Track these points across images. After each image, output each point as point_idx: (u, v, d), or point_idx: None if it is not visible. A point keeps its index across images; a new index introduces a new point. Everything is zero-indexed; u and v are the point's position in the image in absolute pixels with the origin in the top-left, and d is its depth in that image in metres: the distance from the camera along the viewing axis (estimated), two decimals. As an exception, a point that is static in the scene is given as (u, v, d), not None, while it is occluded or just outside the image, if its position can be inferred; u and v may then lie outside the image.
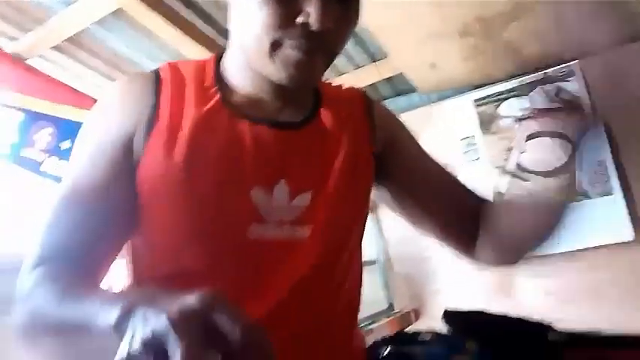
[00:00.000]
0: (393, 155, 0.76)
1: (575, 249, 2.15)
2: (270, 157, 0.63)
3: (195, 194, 0.59)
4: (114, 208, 0.60)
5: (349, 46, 2.26)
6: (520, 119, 2.37)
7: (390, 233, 2.62)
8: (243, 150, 0.62)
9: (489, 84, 2.41)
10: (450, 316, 0.67)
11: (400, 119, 0.83)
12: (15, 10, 1.89)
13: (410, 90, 2.66)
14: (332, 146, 0.68)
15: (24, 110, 1.86)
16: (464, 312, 0.68)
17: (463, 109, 2.43)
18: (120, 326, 0.37)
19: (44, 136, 1.87)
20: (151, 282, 0.62)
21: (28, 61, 2.08)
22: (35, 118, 1.86)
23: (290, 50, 0.58)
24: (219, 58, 0.71)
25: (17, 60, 1.98)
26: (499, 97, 2.41)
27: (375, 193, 0.79)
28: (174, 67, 0.67)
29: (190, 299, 0.34)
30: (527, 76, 2.31)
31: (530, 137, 2.77)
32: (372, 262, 2.59)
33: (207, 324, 0.33)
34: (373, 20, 1.87)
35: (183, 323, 0.32)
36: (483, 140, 2.41)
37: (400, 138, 0.79)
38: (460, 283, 2.35)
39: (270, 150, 0.64)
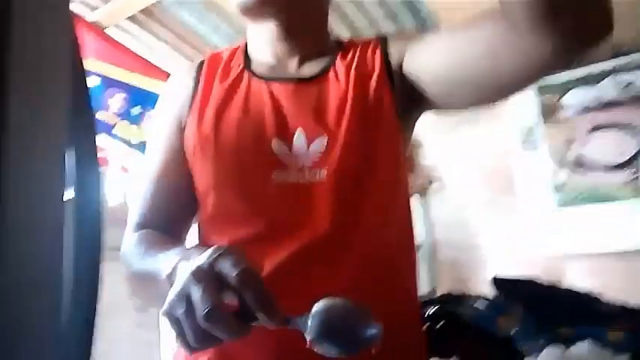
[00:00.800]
0: (414, 71, 0.71)
1: (627, 250, 2.08)
2: (286, 109, 0.71)
3: (224, 151, 0.70)
4: (180, 181, 0.74)
5: (399, 10, 2.23)
6: (585, 110, 2.29)
7: (437, 217, 2.61)
8: (262, 107, 0.71)
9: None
10: (498, 281, 0.69)
11: (416, 35, 0.76)
12: (96, -20, 2.01)
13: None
14: (344, 92, 0.71)
15: (99, 76, 1.99)
16: (513, 279, 0.69)
17: (524, 97, 2.37)
18: (170, 278, 0.52)
19: (117, 101, 2.00)
20: (206, 225, 0.75)
21: (105, 30, 2.21)
22: (109, 84, 1.99)
23: None
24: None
25: (96, 28, 2.11)
26: (564, 86, 2.34)
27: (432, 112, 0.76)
28: (214, 55, 0.80)
29: (205, 254, 0.47)
30: (595, 65, 2.23)
31: (594, 129, 2.67)
32: (418, 246, 2.58)
33: (217, 273, 0.46)
34: None
35: (198, 275, 0.46)
36: (544, 130, 2.35)
37: (412, 50, 0.73)
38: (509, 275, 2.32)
39: (286, 103, 0.71)
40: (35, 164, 0.28)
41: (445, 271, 2.54)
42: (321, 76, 0.74)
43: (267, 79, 0.73)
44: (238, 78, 0.75)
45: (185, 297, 0.45)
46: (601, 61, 2.23)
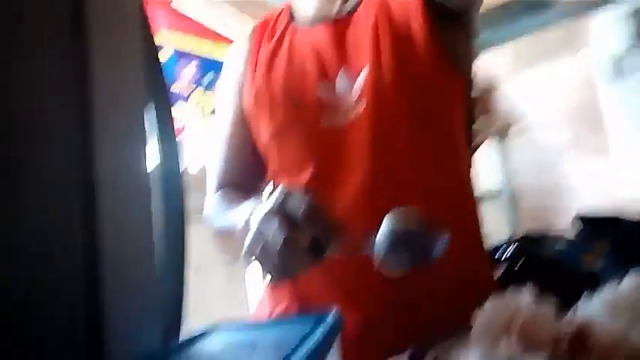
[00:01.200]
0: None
1: None
2: (326, 51, 0.73)
3: (276, 104, 0.74)
4: (247, 140, 0.80)
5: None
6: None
7: (518, 162, 2.49)
8: (305, 54, 0.74)
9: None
10: (582, 219, 0.66)
11: None
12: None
13: (544, 4, 2.41)
14: (380, 22, 0.71)
15: (170, 48, 2.07)
16: (598, 217, 0.66)
17: (613, 22, 2.15)
18: (247, 225, 0.54)
19: (190, 70, 2.07)
20: (274, 178, 0.79)
21: (171, 5, 2.27)
22: (181, 55, 2.06)
23: None
24: None
25: (163, 2, 2.18)
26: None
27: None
28: (264, 18, 0.85)
29: (273, 197, 0.51)
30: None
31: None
32: (494, 194, 2.46)
33: (286, 211, 0.49)
34: None
35: (270, 214, 0.50)
36: (637, 57, 2.13)
37: None
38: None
39: (326, 45, 0.73)
40: (119, 119, 0.31)
41: (528, 219, 2.42)
42: (355, 11, 0.76)
43: (308, 26, 0.77)
44: (283, 33, 0.79)
45: (261, 235, 0.50)
46: None
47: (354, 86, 0.71)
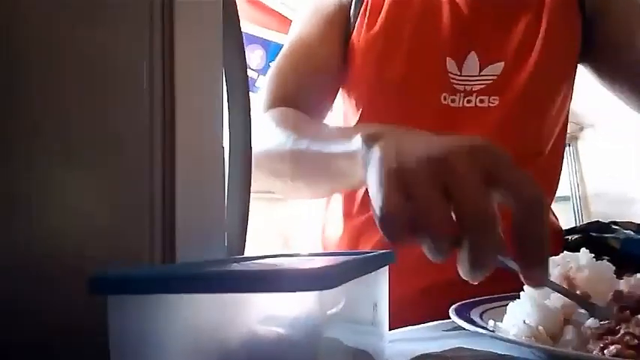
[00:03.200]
0: (601, 28, 0.69)
1: None
2: (463, 28, 0.66)
3: (386, 66, 0.66)
4: (326, 59, 0.69)
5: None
6: None
7: (589, 168, 2.37)
8: (439, 22, 0.66)
9: None
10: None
11: None
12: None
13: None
14: (533, 20, 0.67)
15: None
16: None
17: None
18: (363, 152, 0.37)
19: (256, 57, 2.13)
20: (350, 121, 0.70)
21: (244, -9, 2.34)
22: (249, 40, 2.12)
23: None
24: None
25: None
26: None
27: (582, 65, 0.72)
28: None
29: (465, 138, 0.33)
30: None
31: None
32: (565, 198, 2.38)
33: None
34: None
35: (462, 154, 0.31)
36: None
37: (612, 8, 0.71)
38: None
39: (465, 21, 0.66)
40: (197, 77, 0.33)
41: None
42: None
43: None
44: None
45: (439, 182, 0.29)
46: None
47: (483, 73, 0.65)
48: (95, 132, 0.28)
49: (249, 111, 0.45)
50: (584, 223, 0.69)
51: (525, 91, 0.65)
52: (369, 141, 0.37)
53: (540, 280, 0.30)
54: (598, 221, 0.70)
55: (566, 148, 2.36)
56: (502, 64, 0.65)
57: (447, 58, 0.65)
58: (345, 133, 0.43)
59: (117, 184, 0.29)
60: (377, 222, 0.30)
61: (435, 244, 0.29)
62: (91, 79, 0.29)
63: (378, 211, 0.30)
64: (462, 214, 0.28)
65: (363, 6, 0.69)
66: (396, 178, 0.31)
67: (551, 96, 0.69)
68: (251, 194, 0.39)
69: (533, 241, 0.29)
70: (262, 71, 2.15)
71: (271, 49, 2.16)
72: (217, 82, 0.36)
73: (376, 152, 0.34)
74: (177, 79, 0.30)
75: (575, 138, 2.38)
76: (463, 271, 0.29)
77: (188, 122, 0.31)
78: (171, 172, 0.30)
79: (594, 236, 0.63)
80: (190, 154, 0.31)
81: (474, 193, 0.28)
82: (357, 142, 0.38)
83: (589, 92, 0.82)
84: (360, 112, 0.68)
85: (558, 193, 0.72)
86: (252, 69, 2.14)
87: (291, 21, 2.55)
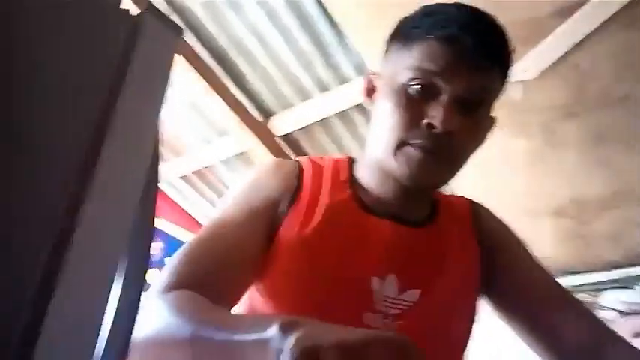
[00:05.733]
0: (497, 263, 0.74)
1: None
2: (387, 251, 0.68)
3: (319, 269, 0.65)
4: (248, 253, 0.65)
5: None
6: (624, 313, 2.19)
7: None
8: (366, 242, 0.68)
9: (586, 271, 2.31)
10: None
11: (507, 225, 0.81)
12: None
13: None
14: (446, 250, 0.71)
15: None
16: None
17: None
18: (277, 341, 0.36)
19: (154, 248, 2.08)
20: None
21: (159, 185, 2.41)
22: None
23: (413, 149, 0.64)
24: (352, 161, 0.80)
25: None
26: (599, 286, 2.28)
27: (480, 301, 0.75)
28: (313, 161, 0.77)
29: (357, 331, 0.35)
30: (632, 268, 2.20)
31: (638, 335, 2.46)
32: None
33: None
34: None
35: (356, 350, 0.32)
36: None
37: (506, 245, 0.77)
38: None
39: (390, 245, 0.68)
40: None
41: None
42: (428, 225, 0.73)
43: (376, 216, 0.70)
44: (346, 201, 0.71)
45: None
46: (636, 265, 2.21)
47: (401, 297, 0.66)
48: None
49: (141, 290, 0.40)
50: None
51: (439, 320, 0.66)
52: (286, 330, 0.36)
53: None
54: None
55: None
56: (419, 291, 0.66)
57: (373, 277, 0.65)
58: (258, 321, 0.41)
59: None
60: None
61: None
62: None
63: None
64: None
65: (298, 204, 0.70)
66: None
67: (465, 320, 0.70)
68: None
69: None
70: (156, 264, 2.08)
71: (171, 244, 2.13)
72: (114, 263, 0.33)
73: (291, 342, 0.33)
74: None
75: None
76: None
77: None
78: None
79: None
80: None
81: None
82: (271, 331, 0.37)
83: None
84: (276, 305, 0.65)
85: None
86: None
87: (194, 219, 2.59)
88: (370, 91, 0.74)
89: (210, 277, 0.61)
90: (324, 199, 0.71)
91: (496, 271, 0.74)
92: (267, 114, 2.16)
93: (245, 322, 0.45)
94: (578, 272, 2.32)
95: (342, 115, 2.04)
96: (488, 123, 0.71)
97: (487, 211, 0.81)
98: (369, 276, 0.65)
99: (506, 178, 1.98)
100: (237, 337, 0.42)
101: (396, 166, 0.66)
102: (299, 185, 0.72)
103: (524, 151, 1.87)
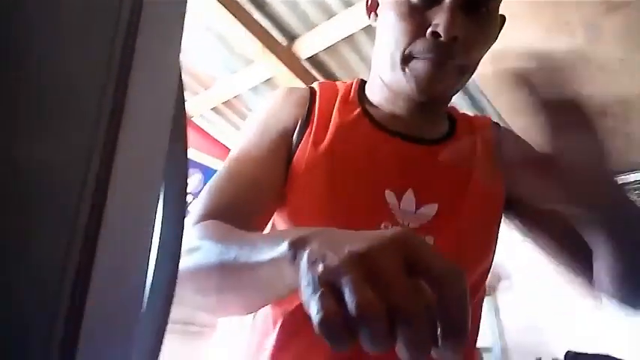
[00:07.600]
0: (519, 180, 0.74)
1: None
2: (401, 166, 0.68)
3: (335, 185, 0.65)
4: (269, 181, 0.68)
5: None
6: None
7: (508, 321, 2.43)
8: (378, 156, 0.68)
9: (631, 171, 2.25)
10: (572, 357, 0.64)
11: (529, 144, 0.80)
12: (188, 75, 2.27)
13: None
14: (466, 167, 0.71)
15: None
16: (589, 354, 0.63)
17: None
18: (292, 256, 0.37)
19: (194, 180, 2.14)
20: None
21: (192, 119, 2.44)
22: (190, 164, 2.15)
23: (420, 62, 0.62)
24: (363, 82, 0.80)
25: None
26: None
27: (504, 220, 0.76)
28: (325, 85, 0.78)
29: (387, 231, 0.34)
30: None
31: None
32: (486, 350, 2.40)
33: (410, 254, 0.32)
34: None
35: (388, 246, 0.32)
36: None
37: (528, 162, 0.77)
38: None
39: (403, 160, 0.68)
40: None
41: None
42: (443, 143, 0.72)
43: (388, 133, 0.70)
44: (356, 119, 0.71)
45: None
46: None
47: (419, 212, 0.66)
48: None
49: (183, 227, 0.42)
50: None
51: (459, 235, 0.66)
52: (296, 247, 0.37)
53: None
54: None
55: (487, 299, 2.44)
56: (436, 205, 0.67)
57: (387, 190, 0.67)
58: (271, 240, 0.42)
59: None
60: (316, 330, 0.30)
61: (373, 340, 0.29)
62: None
63: (315, 319, 0.30)
64: (390, 308, 0.29)
65: (310, 127, 0.71)
66: (325, 282, 0.31)
67: (485, 241, 0.71)
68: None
69: (453, 324, 0.30)
70: (196, 195, 2.15)
71: (209, 175, 2.19)
72: (155, 191, 0.35)
73: (304, 259, 0.35)
74: (112, 183, 0.28)
75: (493, 289, 2.47)
76: (403, 358, 0.30)
77: (116, 227, 0.29)
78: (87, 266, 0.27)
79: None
80: (113, 263, 0.29)
81: (397, 287, 0.30)
82: (282, 248, 0.38)
83: (502, 242, 0.85)
84: (299, 226, 0.66)
85: (481, 344, 0.71)
86: (188, 193, 2.14)
87: (229, 149, 2.64)
88: (373, 6, 0.71)
89: (235, 207, 0.63)
90: (335, 119, 0.71)
91: (521, 191, 0.73)
92: (291, 37, 2.10)
93: (260, 242, 0.46)
94: (623, 172, 2.27)
95: (369, 29, 1.96)
96: (496, 20, 0.67)
97: (510, 132, 0.79)
98: (383, 189, 0.66)
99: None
100: (254, 257, 0.44)
101: (405, 81, 0.65)
102: (310, 109, 0.72)
103: (566, 51, 1.77)
